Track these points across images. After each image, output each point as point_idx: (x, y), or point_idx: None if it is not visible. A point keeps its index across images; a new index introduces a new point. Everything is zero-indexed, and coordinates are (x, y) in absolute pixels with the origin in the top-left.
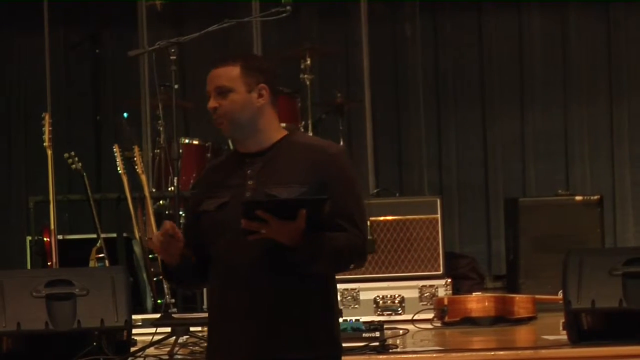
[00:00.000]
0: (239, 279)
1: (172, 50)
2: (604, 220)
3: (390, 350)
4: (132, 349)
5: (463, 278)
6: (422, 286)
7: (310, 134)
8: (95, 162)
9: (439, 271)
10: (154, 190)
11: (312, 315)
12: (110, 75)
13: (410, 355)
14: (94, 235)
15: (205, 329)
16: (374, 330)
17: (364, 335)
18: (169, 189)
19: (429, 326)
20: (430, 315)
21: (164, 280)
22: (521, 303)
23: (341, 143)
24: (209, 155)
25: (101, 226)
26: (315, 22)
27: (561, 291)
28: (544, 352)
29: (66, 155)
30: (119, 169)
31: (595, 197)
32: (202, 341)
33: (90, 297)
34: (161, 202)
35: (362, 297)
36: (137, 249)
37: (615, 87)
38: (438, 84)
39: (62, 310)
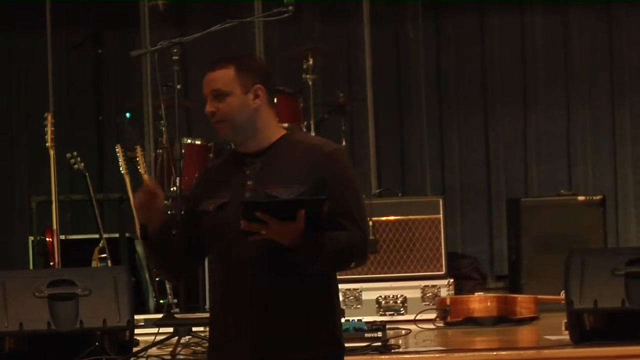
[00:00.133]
0: (239, 279)
1: (175, 50)
2: (607, 220)
3: (393, 351)
4: (135, 349)
5: (465, 278)
6: (425, 286)
7: (313, 134)
8: (98, 162)
9: (442, 271)
10: None
11: (313, 315)
12: (112, 75)
13: (413, 356)
14: (97, 236)
15: (207, 329)
16: (377, 330)
17: (367, 335)
18: (172, 189)
19: (432, 326)
20: (432, 316)
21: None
22: (523, 303)
23: (343, 143)
24: (211, 155)
25: (103, 226)
26: (317, 22)
27: (563, 291)
28: (546, 352)
29: (68, 155)
30: (121, 169)
31: (598, 197)
32: (204, 341)
33: (92, 297)
34: (164, 202)
35: (364, 297)
36: (139, 249)
37: (617, 87)
38: (440, 84)
39: (64, 310)
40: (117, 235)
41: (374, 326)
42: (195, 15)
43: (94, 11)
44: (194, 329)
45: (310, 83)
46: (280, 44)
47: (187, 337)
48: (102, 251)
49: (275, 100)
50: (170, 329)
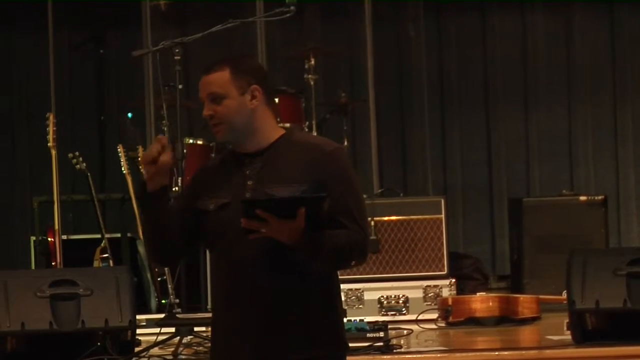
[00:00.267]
0: (239, 278)
1: (176, 50)
2: (608, 220)
3: (395, 351)
4: (136, 349)
5: (467, 278)
6: (427, 286)
7: (315, 134)
8: (100, 162)
9: (443, 271)
10: None
11: (314, 314)
12: (114, 75)
13: (415, 356)
14: (98, 236)
15: (209, 329)
16: (378, 330)
17: (368, 335)
18: (173, 189)
19: (433, 326)
20: (434, 316)
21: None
22: (525, 303)
23: (345, 143)
24: (213, 155)
25: (105, 226)
26: (319, 22)
27: (565, 291)
28: (548, 352)
29: (70, 155)
30: (123, 169)
31: (600, 197)
32: (206, 341)
33: (94, 297)
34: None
35: (366, 297)
36: (141, 249)
37: (619, 87)
38: (442, 84)
39: (66, 310)
40: (119, 235)
41: (376, 326)
42: (197, 15)
43: (95, 11)
44: (195, 329)
45: (312, 83)
46: (282, 44)
47: (189, 337)
48: (103, 251)
49: (274, 99)
50: (172, 329)
